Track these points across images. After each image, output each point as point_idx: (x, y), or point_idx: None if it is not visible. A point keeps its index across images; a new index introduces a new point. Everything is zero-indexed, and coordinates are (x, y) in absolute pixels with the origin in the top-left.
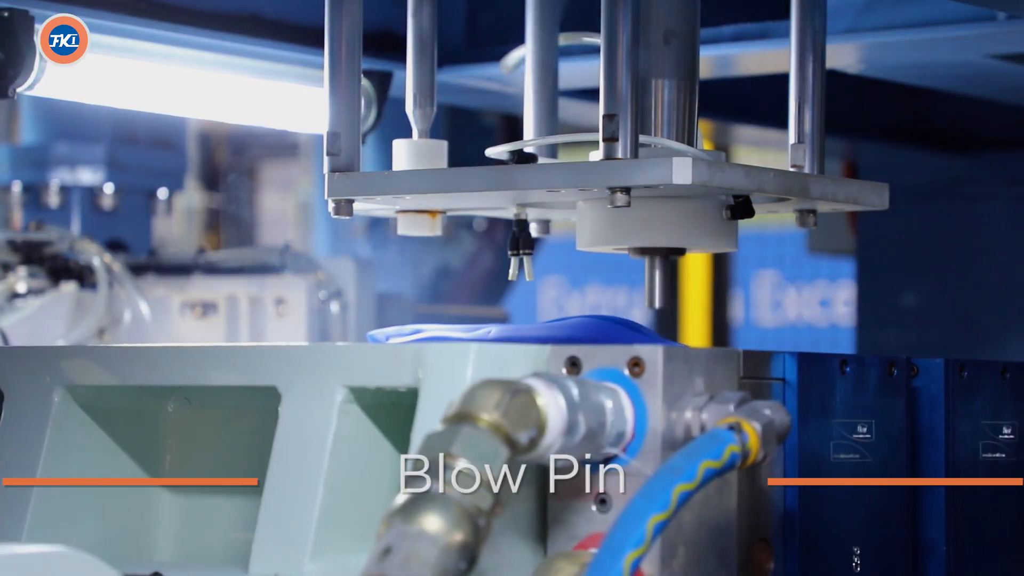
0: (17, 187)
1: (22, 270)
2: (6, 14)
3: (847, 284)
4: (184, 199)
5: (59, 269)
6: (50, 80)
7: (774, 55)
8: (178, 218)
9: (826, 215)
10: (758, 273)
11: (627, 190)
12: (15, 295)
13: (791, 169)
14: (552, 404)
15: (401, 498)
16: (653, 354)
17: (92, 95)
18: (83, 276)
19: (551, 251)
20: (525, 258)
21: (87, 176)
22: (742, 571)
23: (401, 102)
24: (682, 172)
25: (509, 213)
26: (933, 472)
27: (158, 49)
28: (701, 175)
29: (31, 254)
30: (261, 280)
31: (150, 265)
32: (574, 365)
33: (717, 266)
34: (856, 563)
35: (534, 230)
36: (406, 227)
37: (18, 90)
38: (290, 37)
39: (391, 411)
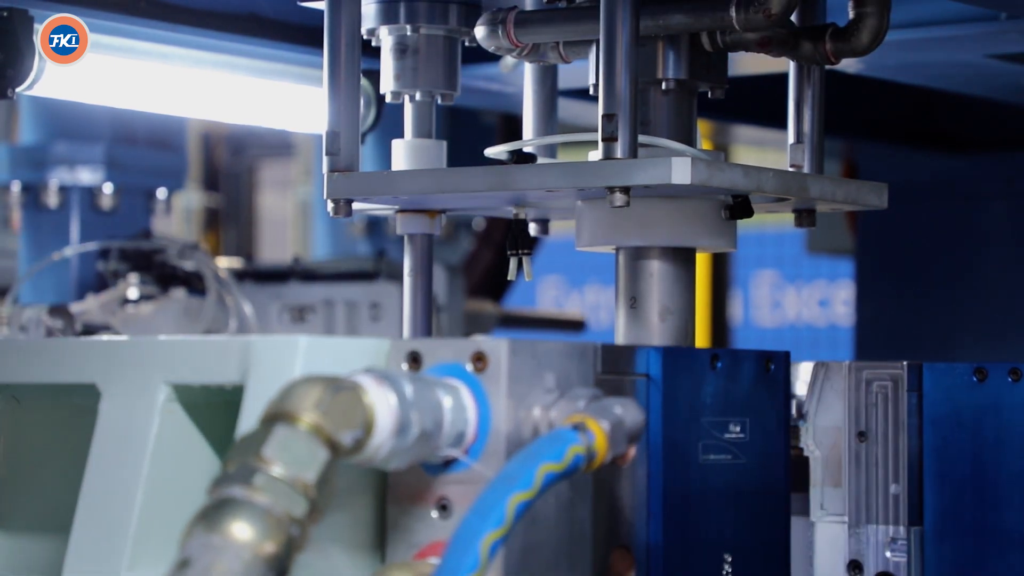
0: (16, 187)
1: (132, 277)
2: (6, 14)
3: (846, 284)
4: (183, 199)
5: (168, 276)
6: (50, 80)
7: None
8: (177, 218)
9: (825, 215)
10: (757, 273)
11: (626, 190)
12: (126, 301)
13: (790, 169)
14: (381, 402)
15: (207, 505)
16: (497, 348)
17: (92, 95)
18: (190, 282)
19: (550, 251)
20: (524, 258)
21: (86, 176)
22: None
23: (401, 102)
24: (681, 172)
25: (508, 213)
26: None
27: (158, 49)
28: (700, 175)
29: (140, 261)
30: (356, 285)
31: (248, 272)
32: (415, 360)
33: (716, 266)
34: (727, 570)
35: (533, 230)
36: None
37: (18, 90)
38: (289, 37)
39: (222, 410)
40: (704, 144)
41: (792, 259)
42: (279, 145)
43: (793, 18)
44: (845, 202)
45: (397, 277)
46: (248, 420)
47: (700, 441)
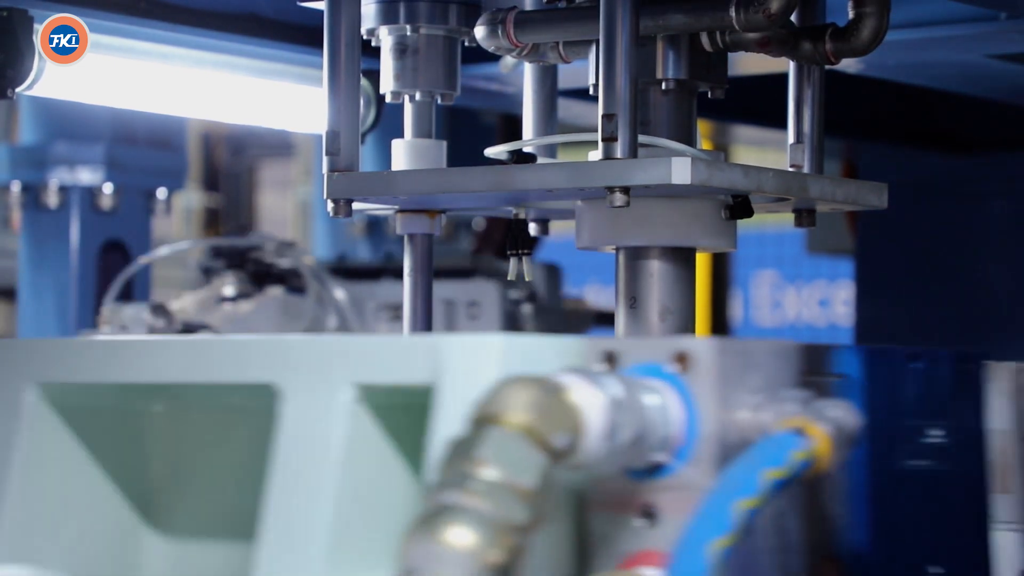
0: (16, 187)
1: (228, 275)
2: (6, 14)
3: (846, 284)
4: (183, 199)
5: (262, 274)
6: (50, 80)
7: None
8: (177, 218)
9: (825, 215)
10: (757, 273)
11: (626, 190)
12: (223, 299)
13: (790, 169)
14: (591, 403)
15: (425, 512)
16: (702, 347)
17: (92, 95)
18: (286, 280)
19: (550, 251)
20: (524, 258)
21: (86, 176)
22: None
23: (401, 102)
24: (681, 172)
25: (508, 213)
26: None
27: (158, 49)
28: (700, 175)
29: (234, 259)
30: (454, 283)
31: (339, 269)
32: (610, 360)
33: (716, 266)
34: None
35: (533, 230)
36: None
37: (18, 90)
38: (289, 37)
39: (402, 412)
40: (704, 144)
41: (792, 259)
42: (279, 145)
43: (793, 18)
44: (845, 202)
45: (494, 275)
46: (444, 422)
47: (902, 446)
